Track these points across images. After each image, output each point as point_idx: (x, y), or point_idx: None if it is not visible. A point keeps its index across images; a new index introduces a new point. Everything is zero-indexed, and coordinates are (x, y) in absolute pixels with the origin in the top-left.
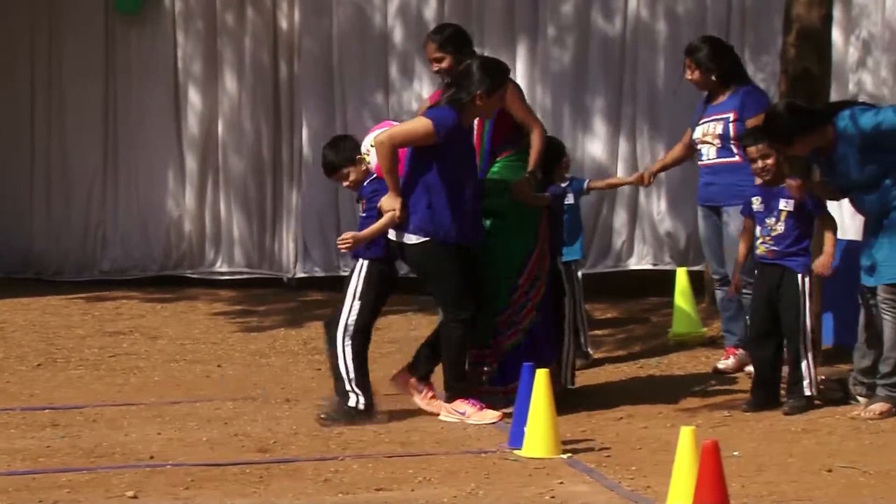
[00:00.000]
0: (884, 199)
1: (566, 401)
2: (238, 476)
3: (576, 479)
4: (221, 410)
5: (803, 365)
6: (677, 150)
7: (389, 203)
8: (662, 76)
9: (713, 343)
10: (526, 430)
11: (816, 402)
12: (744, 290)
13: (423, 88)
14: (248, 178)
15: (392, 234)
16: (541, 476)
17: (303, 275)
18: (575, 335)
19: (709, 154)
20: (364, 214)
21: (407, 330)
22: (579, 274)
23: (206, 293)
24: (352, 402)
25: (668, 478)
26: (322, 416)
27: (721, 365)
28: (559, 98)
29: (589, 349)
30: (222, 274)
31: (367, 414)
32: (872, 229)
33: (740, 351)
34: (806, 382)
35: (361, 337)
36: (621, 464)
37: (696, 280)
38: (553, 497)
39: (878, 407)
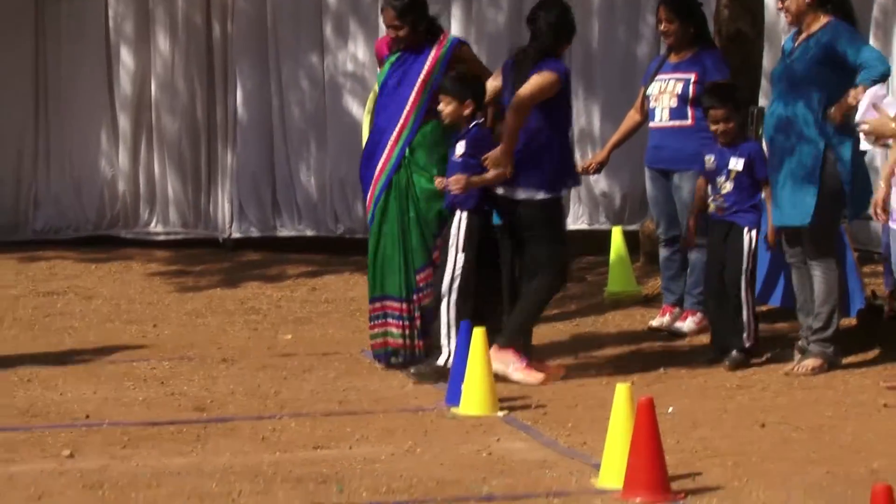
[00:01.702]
0: (803, 136)
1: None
2: (175, 435)
3: (512, 436)
4: (157, 370)
5: (744, 316)
6: (631, 118)
7: (501, 160)
8: (597, 38)
9: (648, 301)
10: (463, 388)
11: (755, 355)
12: (692, 248)
13: (358, 49)
14: (183, 138)
15: (500, 189)
16: (478, 433)
17: (238, 235)
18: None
19: (662, 116)
20: (460, 159)
21: (345, 290)
22: None
23: (141, 253)
24: (441, 361)
25: (604, 434)
26: (412, 371)
27: (655, 322)
28: (494, 59)
29: None
30: (157, 234)
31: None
32: (778, 167)
33: (676, 309)
34: (745, 335)
35: (465, 293)
36: (557, 421)
37: (632, 239)
38: (490, 454)
39: (811, 362)
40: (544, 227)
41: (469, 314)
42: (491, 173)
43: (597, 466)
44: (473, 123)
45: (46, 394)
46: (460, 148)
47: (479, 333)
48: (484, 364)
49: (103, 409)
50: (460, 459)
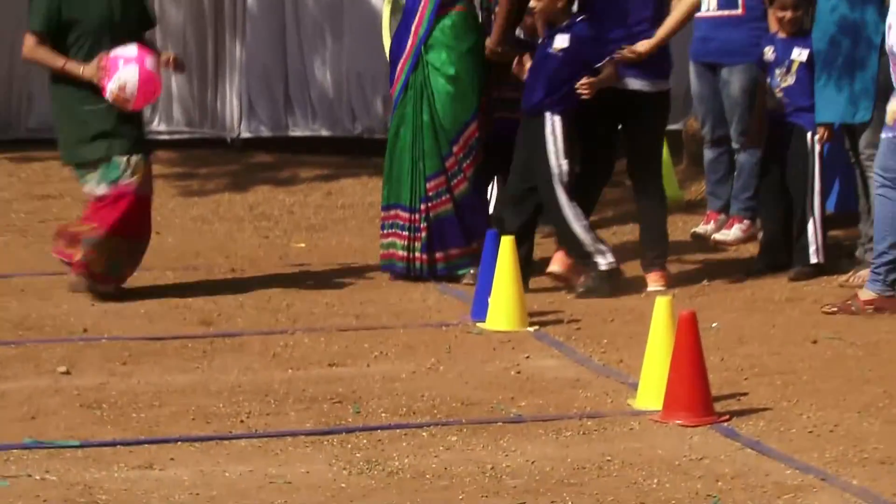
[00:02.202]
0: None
1: (532, 271)
2: (179, 350)
3: (543, 353)
4: (161, 281)
5: (810, 229)
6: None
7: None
8: None
9: (692, 207)
10: (490, 301)
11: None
12: (741, 149)
13: None
14: (187, 28)
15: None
16: (506, 350)
17: (248, 135)
18: None
19: (709, 5)
20: (560, 53)
21: (363, 195)
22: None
23: None
24: (602, 265)
25: (642, 351)
26: (580, 290)
27: (699, 230)
28: None
29: None
30: (160, 134)
31: (617, 270)
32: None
33: (721, 216)
34: (812, 249)
35: (578, 194)
36: (592, 337)
37: (674, 140)
38: (519, 372)
39: (867, 273)
40: (658, 118)
41: (585, 216)
42: (608, 71)
43: (634, 386)
44: (579, 18)
45: (41, 305)
46: (561, 42)
47: (507, 242)
48: (513, 275)
49: (102, 323)
50: (487, 378)
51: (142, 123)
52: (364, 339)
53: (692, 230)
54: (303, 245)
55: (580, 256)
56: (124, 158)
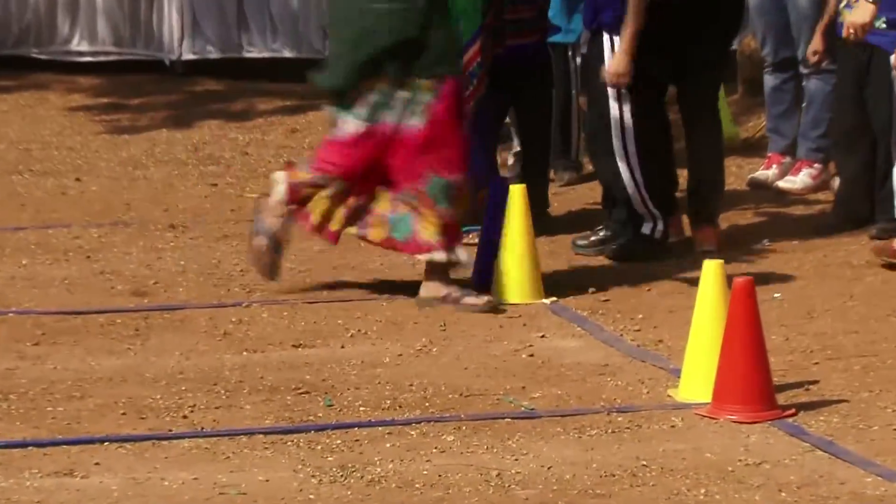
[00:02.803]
0: None
1: (547, 229)
2: (106, 328)
3: (562, 330)
4: (82, 240)
5: None
6: None
7: None
8: None
9: (749, 147)
10: (496, 266)
11: None
12: (812, 74)
13: None
14: None
15: None
16: (515, 328)
17: (192, 57)
18: (563, 139)
19: None
20: None
21: None
22: (576, 61)
23: (59, 81)
24: (646, 229)
25: (686, 329)
26: (613, 248)
27: (759, 176)
28: None
29: (581, 158)
30: (82, 55)
31: (664, 245)
32: None
33: (786, 159)
34: None
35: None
36: (623, 311)
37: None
38: (532, 356)
39: None
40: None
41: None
42: None
43: (676, 372)
44: None
45: None
46: None
47: (517, 192)
48: (525, 234)
49: (8, 293)
50: (491, 363)
51: None
52: (338, 313)
53: (750, 176)
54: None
55: (620, 215)
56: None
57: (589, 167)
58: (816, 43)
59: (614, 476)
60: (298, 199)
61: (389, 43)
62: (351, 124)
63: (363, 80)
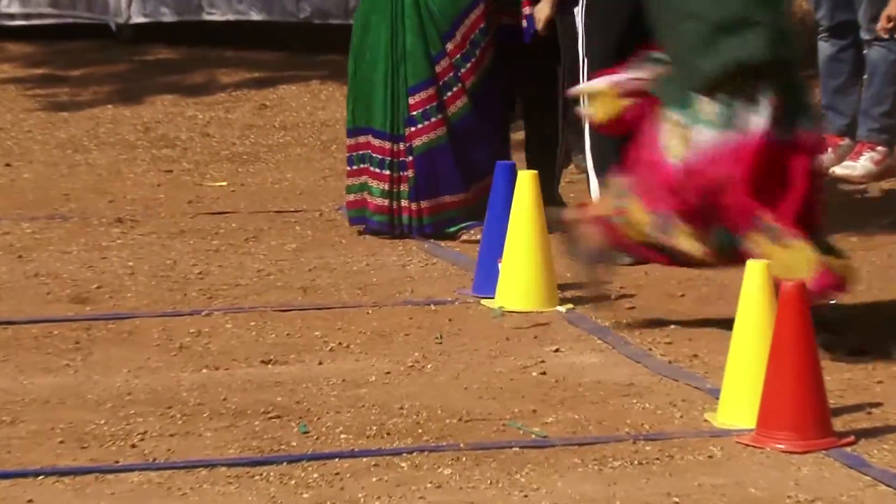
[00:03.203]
0: None
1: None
2: (41, 341)
3: (580, 344)
4: (13, 236)
5: None
6: None
7: None
8: None
9: None
10: (501, 267)
11: None
12: (874, 41)
13: None
14: None
15: None
16: (524, 340)
17: (142, 20)
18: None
19: None
20: None
21: (312, 109)
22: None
23: None
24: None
25: (726, 342)
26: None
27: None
28: None
29: None
30: (12, 18)
31: None
32: None
33: (844, 141)
34: None
35: None
36: (652, 320)
37: None
38: (543, 373)
39: None
40: None
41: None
42: None
43: (714, 393)
44: None
45: None
46: None
47: (527, 179)
48: (536, 229)
49: None
50: (496, 382)
51: None
52: (314, 323)
53: None
54: (223, 184)
55: None
56: None
57: None
58: (893, 7)
59: None
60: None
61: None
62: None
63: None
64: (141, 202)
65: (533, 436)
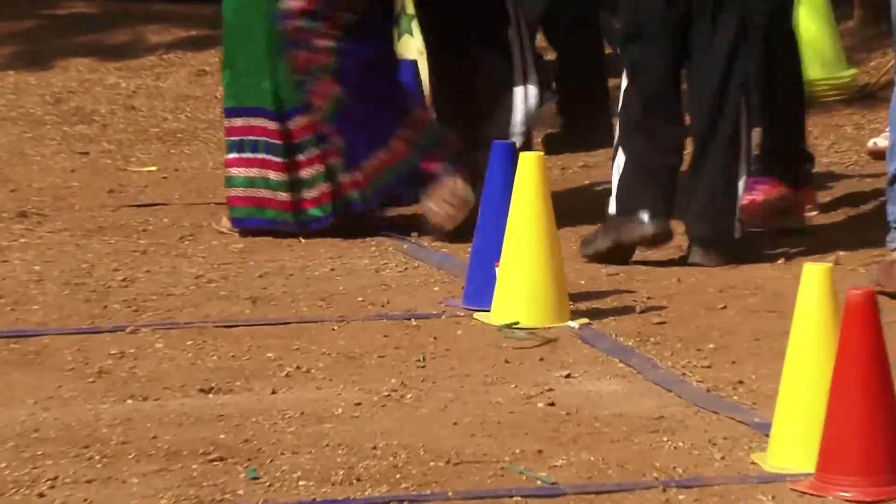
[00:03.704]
0: None
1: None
2: None
3: (597, 367)
4: None
5: None
6: None
7: None
8: None
9: (868, 97)
10: (498, 272)
11: None
12: None
13: None
14: None
15: None
16: (528, 363)
17: None
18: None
19: None
20: None
21: None
22: None
23: None
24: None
25: (778, 364)
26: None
27: (881, 142)
28: None
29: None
30: None
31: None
32: None
33: None
34: None
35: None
36: (686, 337)
37: None
38: (552, 404)
39: None
40: None
41: None
42: None
43: (763, 429)
44: None
45: None
46: None
47: (530, 162)
48: (542, 225)
49: None
50: (493, 415)
51: None
52: (267, 342)
53: (870, 141)
54: (153, 168)
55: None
56: None
57: None
58: None
59: None
60: None
61: None
62: None
63: None
64: (50, 191)
65: (538, 482)
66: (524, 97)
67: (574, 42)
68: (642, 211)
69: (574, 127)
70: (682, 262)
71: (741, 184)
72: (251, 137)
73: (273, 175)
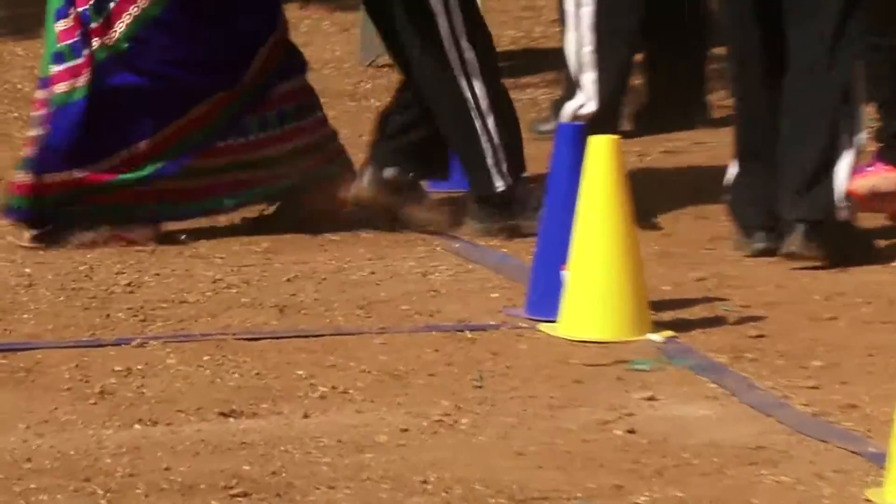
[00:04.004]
0: None
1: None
2: None
3: (684, 388)
4: None
5: None
6: None
7: None
8: None
9: None
10: (567, 276)
11: None
12: None
13: None
14: None
15: None
16: (604, 383)
17: None
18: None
19: None
20: None
21: None
22: None
23: None
24: (500, 184)
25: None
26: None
27: None
28: None
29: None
30: None
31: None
32: None
33: None
34: None
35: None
36: (789, 353)
37: None
38: (631, 431)
39: None
40: None
41: None
42: None
43: (878, 460)
44: None
45: None
46: None
47: (602, 146)
48: (618, 223)
49: None
50: (561, 443)
51: None
52: (298, 357)
53: None
54: None
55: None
56: None
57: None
58: None
59: None
60: None
61: None
62: None
63: None
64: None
65: None
66: None
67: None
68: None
69: (664, 103)
70: (780, 264)
71: (846, 163)
72: None
73: None
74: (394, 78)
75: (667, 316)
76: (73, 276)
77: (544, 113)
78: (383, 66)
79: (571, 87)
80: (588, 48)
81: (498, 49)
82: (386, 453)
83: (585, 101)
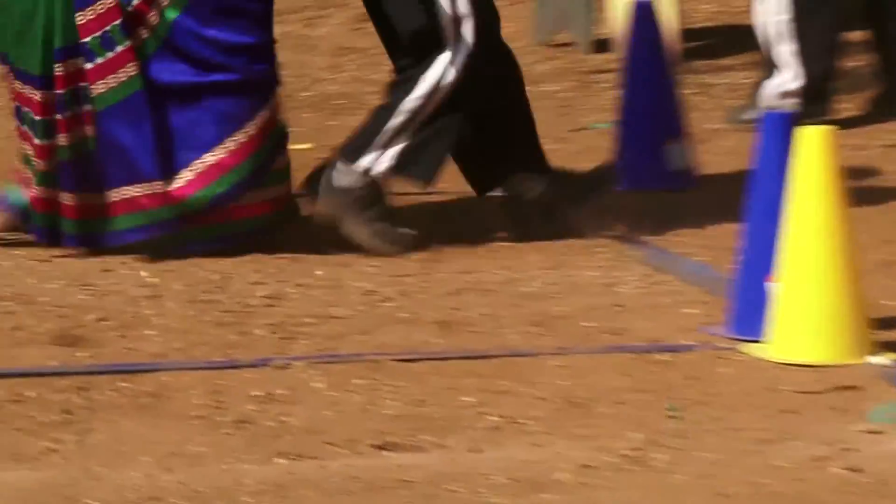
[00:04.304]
0: None
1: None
2: (7, 408)
3: None
4: None
5: None
6: None
7: None
8: None
9: None
10: (774, 290)
11: None
12: None
13: None
14: None
15: None
16: (819, 413)
17: None
18: None
19: None
20: None
21: None
22: None
23: None
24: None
25: None
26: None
27: None
28: None
29: None
30: None
31: None
32: None
33: None
34: None
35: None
36: None
37: None
38: (852, 469)
39: None
40: None
41: None
42: None
43: None
44: None
45: None
46: None
47: (814, 139)
48: (832, 225)
49: None
50: (772, 483)
51: None
52: (464, 383)
53: None
54: (307, 146)
55: None
56: None
57: None
58: None
59: None
60: None
61: None
62: None
63: None
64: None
65: None
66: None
67: None
68: None
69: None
70: None
71: None
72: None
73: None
74: (573, 58)
75: (889, 336)
76: (205, 286)
77: (745, 100)
78: (560, 44)
79: (769, 65)
80: (784, 16)
81: (692, 26)
82: (567, 493)
83: (788, 77)
